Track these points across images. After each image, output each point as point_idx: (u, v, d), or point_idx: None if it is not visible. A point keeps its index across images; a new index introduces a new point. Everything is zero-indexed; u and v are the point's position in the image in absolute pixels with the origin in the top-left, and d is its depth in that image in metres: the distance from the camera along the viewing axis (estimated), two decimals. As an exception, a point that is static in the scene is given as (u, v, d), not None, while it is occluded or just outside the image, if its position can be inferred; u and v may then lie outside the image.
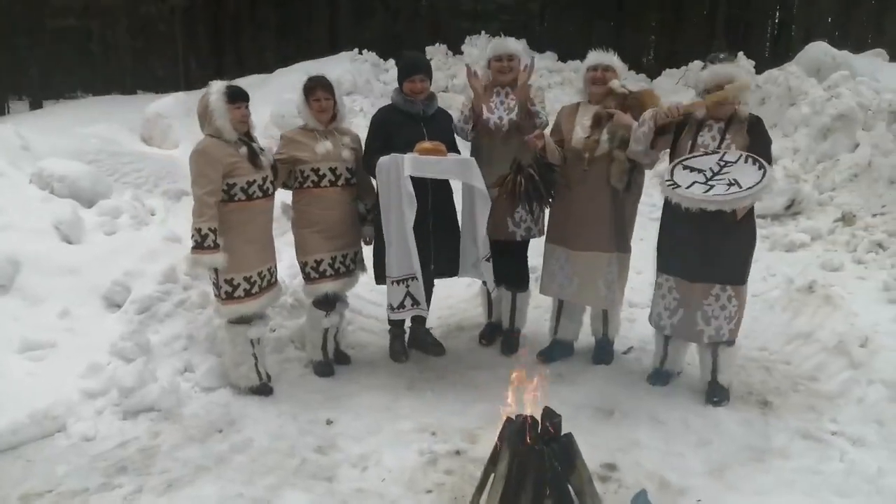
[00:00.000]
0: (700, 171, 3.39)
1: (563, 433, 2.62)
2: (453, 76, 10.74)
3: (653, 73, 10.06)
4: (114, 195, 5.79)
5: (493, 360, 4.33)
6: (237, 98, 3.67)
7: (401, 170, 3.61)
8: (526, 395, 2.68)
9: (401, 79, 4.02)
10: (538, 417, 2.64)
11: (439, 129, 4.12)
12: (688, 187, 3.35)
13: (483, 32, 11.29)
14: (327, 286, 4.05)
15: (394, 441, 3.37)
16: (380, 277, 4.03)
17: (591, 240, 3.89)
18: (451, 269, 4.13)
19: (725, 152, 3.43)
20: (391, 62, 11.12)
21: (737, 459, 3.15)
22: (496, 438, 2.70)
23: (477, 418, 3.58)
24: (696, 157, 3.47)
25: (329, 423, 3.58)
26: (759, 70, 9.00)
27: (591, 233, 3.88)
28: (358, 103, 9.99)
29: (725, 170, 3.37)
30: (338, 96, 4.03)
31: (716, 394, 3.64)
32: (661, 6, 11.10)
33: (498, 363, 4.27)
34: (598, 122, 3.80)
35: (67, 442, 3.35)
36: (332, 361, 4.21)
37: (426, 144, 3.76)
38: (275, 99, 9.91)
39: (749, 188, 3.23)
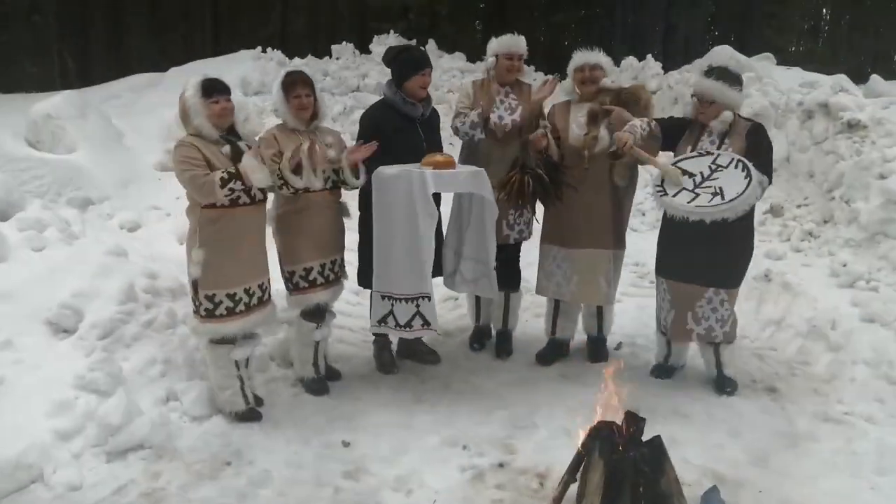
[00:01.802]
0: (691, 175, 3.44)
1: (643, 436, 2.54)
2: (364, 76, 10.44)
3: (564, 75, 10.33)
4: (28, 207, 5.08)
5: (489, 364, 4.19)
6: (213, 91, 3.30)
7: (425, 187, 3.38)
8: (608, 400, 2.57)
9: (404, 75, 3.76)
10: (619, 422, 2.54)
11: (432, 130, 3.94)
12: (674, 195, 3.41)
13: (392, 32, 11.11)
14: (318, 296, 3.74)
15: (428, 459, 3.15)
16: (364, 280, 3.82)
17: (591, 237, 3.85)
18: (436, 271, 3.96)
19: (719, 154, 3.49)
20: (298, 61, 10.65)
21: (773, 447, 3.21)
22: (579, 446, 2.57)
23: (501, 427, 3.44)
24: (690, 157, 3.52)
25: (346, 445, 3.29)
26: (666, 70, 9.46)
27: (591, 230, 3.84)
28: (268, 103, 9.44)
29: (715, 175, 3.42)
30: (318, 92, 3.74)
31: (726, 384, 3.72)
32: (575, 6, 11.48)
33: (496, 367, 4.14)
34: (593, 119, 3.76)
35: (50, 494, 2.84)
36: (324, 378, 3.90)
37: (439, 158, 3.56)
38: (172, 100, 9.18)
39: (730, 200, 3.30)
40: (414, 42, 11.89)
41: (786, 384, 3.82)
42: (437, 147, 3.89)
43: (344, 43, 11.03)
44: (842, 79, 8.71)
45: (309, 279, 3.70)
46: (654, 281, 4.76)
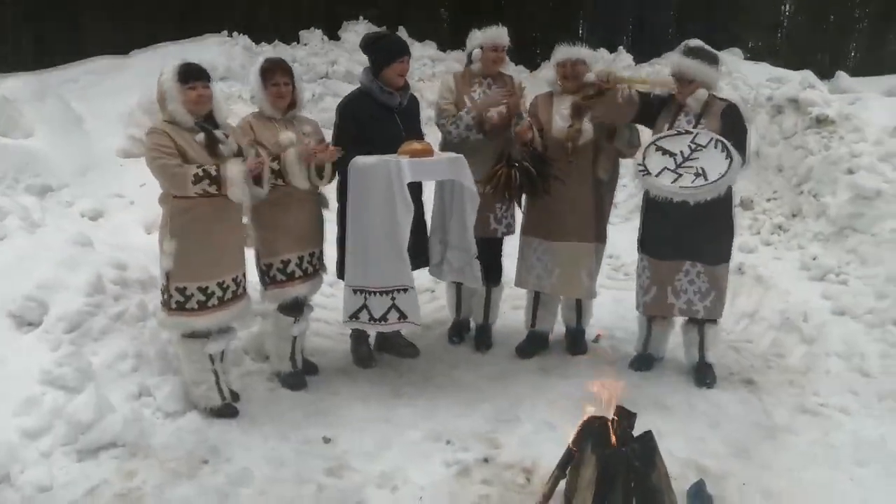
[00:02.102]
0: (671, 154, 3.44)
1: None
2: (333, 62, 10.25)
3: (533, 65, 10.27)
4: (-16, 192, 4.86)
5: (469, 357, 4.15)
6: (190, 77, 3.17)
7: (402, 176, 3.31)
8: (602, 396, 2.55)
9: (382, 62, 3.66)
10: (611, 418, 2.52)
11: (411, 119, 3.86)
12: (657, 175, 3.41)
13: (361, 18, 10.94)
14: (297, 289, 3.65)
15: (411, 454, 3.10)
16: (343, 272, 3.73)
17: (574, 230, 3.83)
18: (422, 262, 3.90)
19: (698, 133, 3.49)
20: (265, 46, 10.39)
21: (752, 439, 3.24)
22: (570, 443, 2.55)
23: (484, 421, 3.40)
24: (669, 136, 3.51)
25: (327, 441, 3.22)
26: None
27: (573, 223, 3.82)
28: (235, 89, 9.24)
29: (695, 155, 3.44)
30: (297, 81, 3.64)
31: (707, 375, 3.75)
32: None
33: (477, 361, 4.10)
34: (577, 112, 3.73)
35: (18, 495, 2.72)
36: (301, 372, 3.81)
37: (416, 146, 3.49)
38: (135, 84, 8.91)
39: (713, 181, 3.32)
40: (385, 29, 11.79)
41: (762, 376, 3.86)
42: (418, 136, 3.82)
43: (312, 29, 10.81)
44: (809, 74, 8.87)
45: (287, 272, 3.60)
46: (629, 273, 4.76)
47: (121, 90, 8.79)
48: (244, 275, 3.50)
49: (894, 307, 4.24)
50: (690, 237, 3.59)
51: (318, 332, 4.41)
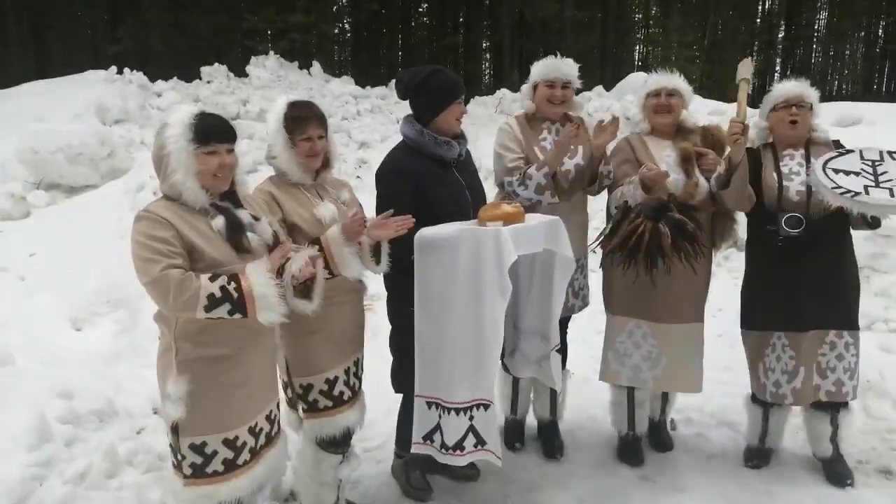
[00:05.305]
0: (857, 173, 2.85)
1: None
2: (244, 101, 9.10)
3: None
4: None
5: (544, 470, 3.29)
6: (211, 136, 2.18)
7: (503, 251, 2.44)
8: None
9: (436, 106, 2.81)
10: None
11: (471, 175, 3.02)
12: (868, 193, 2.75)
13: (272, 52, 9.86)
14: (348, 416, 2.68)
15: None
16: (403, 382, 2.84)
17: (687, 308, 3.12)
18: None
19: (861, 150, 2.95)
20: (161, 84, 9.09)
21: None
22: None
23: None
24: (835, 157, 2.92)
25: None
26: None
27: (688, 299, 3.10)
28: (135, 134, 7.91)
29: (881, 170, 2.87)
30: (331, 133, 2.72)
31: (846, 473, 3.10)
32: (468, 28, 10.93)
33: (558, 474, 3.25)
34: (687, 160, 3.05)
35: None
36: (348, 527, 2.82)
37: (507, 208, 2.61)
38: (16, 127, 7.42)
39: None
40: (296, 64, 10.78)
41: (900, 463, 3.29)
42: (481, 197, 2.98)
43: (216, 65, 9.63)
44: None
45: (333, 394, 2.63)
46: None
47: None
48: (279, 405, 2.49)
49: None
50: (823, 296, 2.98)
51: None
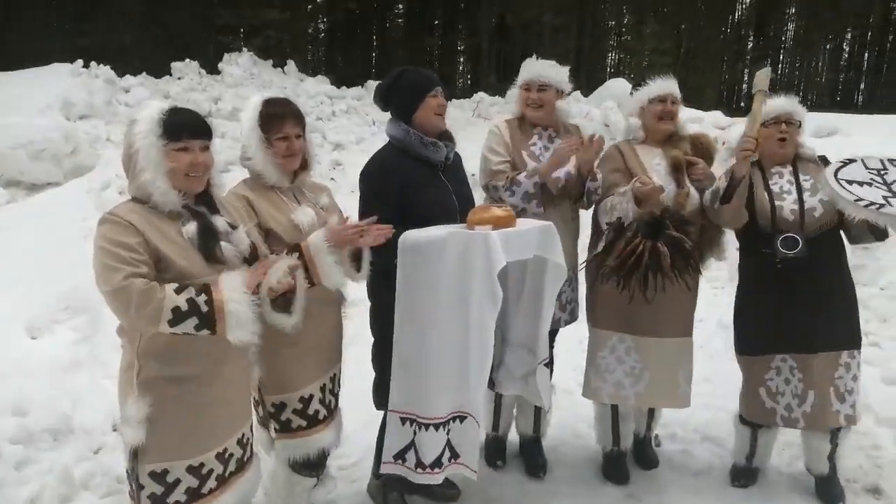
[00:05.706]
0: (867, 183, 2.74)
1: None
2: (216, 99, 8.86)
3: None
4: None
5: (527, 489, 3.17)
6: (183, 131, 2.02)
7: (492, 256, 2.31)
8: None
9: (409, 102, 2.68)
10: None
11: (459, 180, 2.88)
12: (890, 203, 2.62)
13: (245, 49, 9.63)
14: (323, 436, 2.53)
15: None
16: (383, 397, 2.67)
17: (673, 322, 3.02)
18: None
19: (862, 159, 2.84)
20: (130, 80, 8.80)
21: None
22: None
23: None
24: (844, 166, 2.80)
25: None
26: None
27: (674, 312, 3.00)
28: (101, 131, 7.63)
29: (888, 179, 2.77)
30: (308, 132, 2.57)
31: (839, 493, 3.02)
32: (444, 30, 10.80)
33: (540, 493, 3.13)
34: (677, 170, 2.96)
35: None
36: (321, 551, 2.66)
37: (497, 212, 2.48)
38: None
39: None
40: (270, 62, 10.55)
41: (888, 483, 3.23)
42: (470, 203, 2.84)
43: (187, 61, 9.36)
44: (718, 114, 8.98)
45: (307, 413, 2.48)
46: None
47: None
48: (252, 427, 2.32)
49: None
50: (831, 315, 2.90)
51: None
